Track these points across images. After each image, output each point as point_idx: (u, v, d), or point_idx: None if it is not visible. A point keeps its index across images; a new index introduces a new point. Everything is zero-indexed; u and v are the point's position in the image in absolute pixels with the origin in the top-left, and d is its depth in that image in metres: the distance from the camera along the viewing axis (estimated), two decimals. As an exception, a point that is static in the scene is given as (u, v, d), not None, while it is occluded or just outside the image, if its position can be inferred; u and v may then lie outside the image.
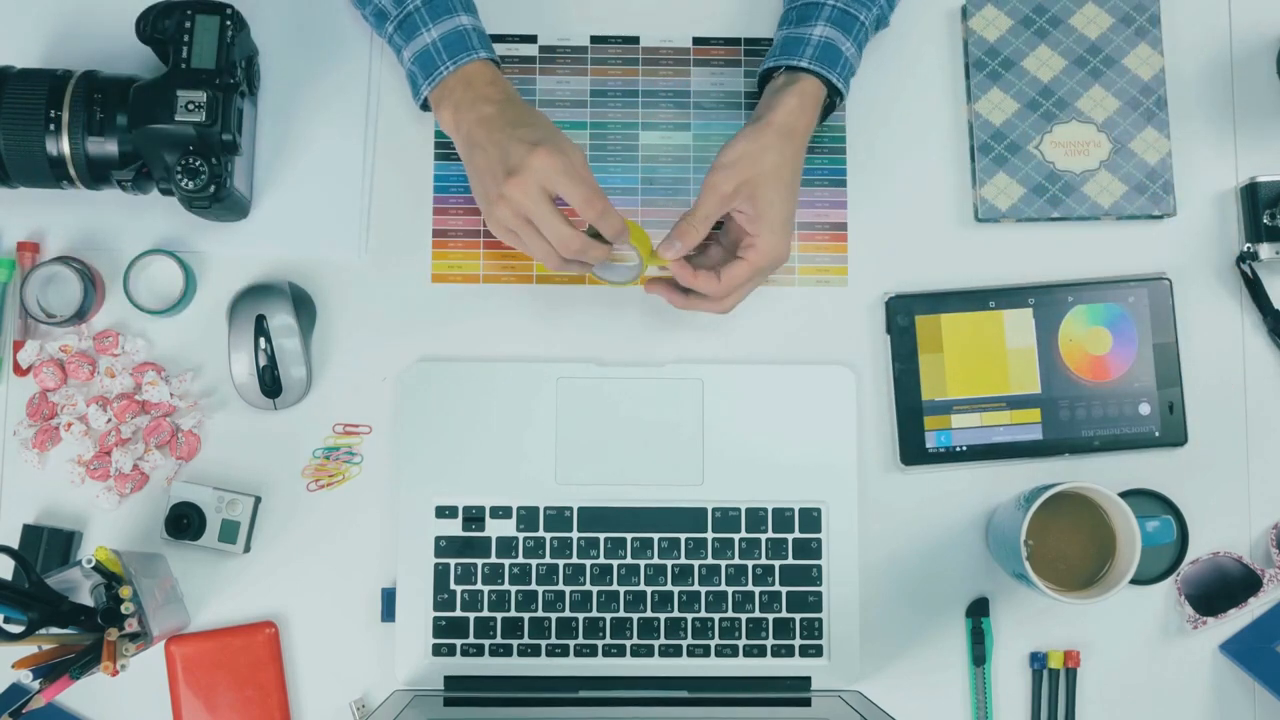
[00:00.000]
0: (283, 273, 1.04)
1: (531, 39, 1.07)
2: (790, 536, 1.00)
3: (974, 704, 1.01)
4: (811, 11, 0.98)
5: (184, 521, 0.99)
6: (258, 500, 1.01)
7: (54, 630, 0.87)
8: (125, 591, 0.87)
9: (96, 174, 0.97)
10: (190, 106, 0.94)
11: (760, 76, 1.01)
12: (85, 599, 0.91)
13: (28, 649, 0.88)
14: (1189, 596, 1.02)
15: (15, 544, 1.00)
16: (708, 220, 0.93)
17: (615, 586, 1.00)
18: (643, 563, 1.00)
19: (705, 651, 1.00)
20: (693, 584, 1.00)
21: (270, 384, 1.01)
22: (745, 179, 0.93)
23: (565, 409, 1.01)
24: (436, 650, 0.99)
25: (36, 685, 0.87)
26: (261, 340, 1.00)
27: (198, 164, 0.95)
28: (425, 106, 0.99)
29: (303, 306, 1.02)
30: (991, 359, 1.03)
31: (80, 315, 1.01)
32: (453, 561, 1.00)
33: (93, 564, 0.88)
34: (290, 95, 1.05)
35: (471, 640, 0.99)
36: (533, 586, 1.00)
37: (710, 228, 0.94)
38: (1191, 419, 1.03)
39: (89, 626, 0.88)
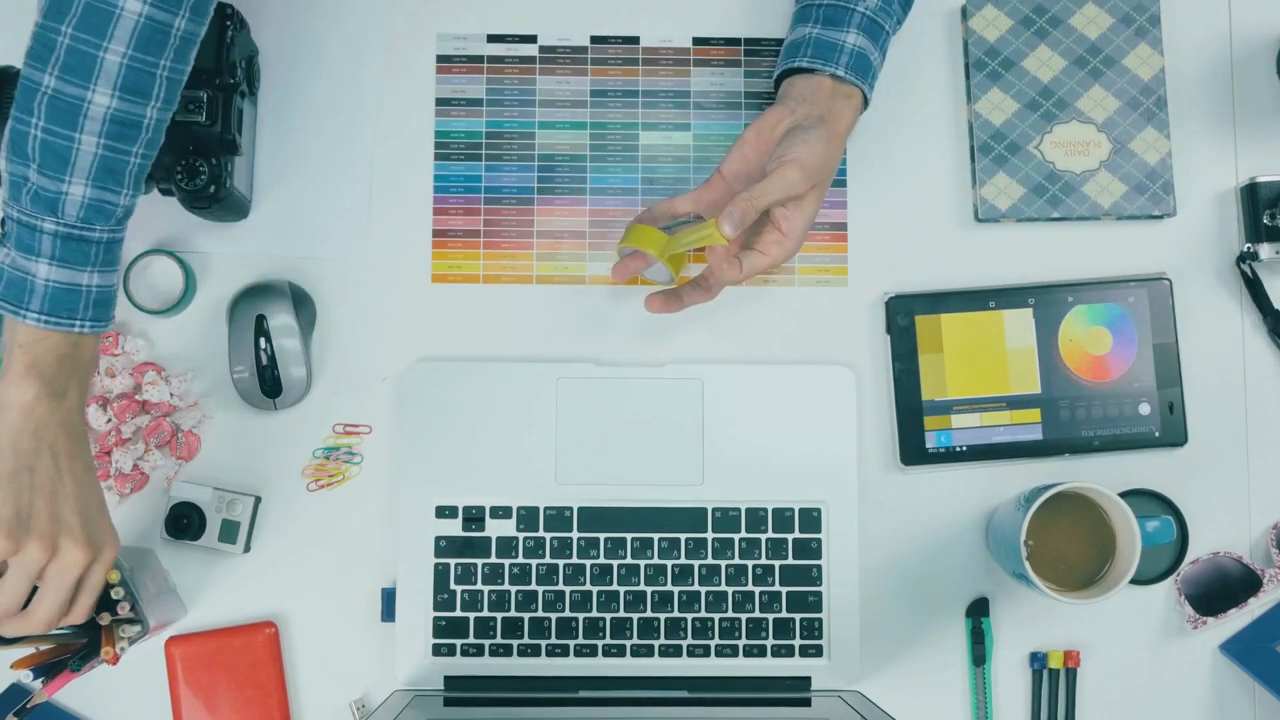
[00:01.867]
0: (283, 273, 1.04)
1: (531, 39, 1.07)
2: (790, 536, 1.00)
3: (974, 704, 1.01)
4: (841, 15, 0.95)
5: (184, 521, 0.99)
6: (258, 500, 1.01)
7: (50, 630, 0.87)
8: (113, 576, 0.87)
9: (96, 174, 0.97)
10: (190, 106, 0.94)
11: (782, 68, 0.97)
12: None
13: (26, 650, 0.88)
14: (1189, 596, 1.02)
15: (15, 544, 1.00)
16: (765, 207, 0.91)
17: (615, 586, 1.00)
18: (643, 563, 1.00)
19: (705, 651, 1.00)
20: (693, 584, 1.00)
21: (270, 384, 1.01)
22: (816, 184, 0.92)
23: (565, 409, 1.01)
24: (436, 650, 0.99)
25: (38, 684, 0.87)
26: (261, 340, 1.00)
27: (198, 164, 0.95)
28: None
29: (303, 306, 1.02)
30: (991, 359, 1.03)
31: (80, 315, 1.01)
32: (453, 561, 1.00)
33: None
34: (290, 95, 1.05)
35: (471, 640, 0.99)
36: (533, 586, 1.00)
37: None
38: (1191, 419, 1.03)
39: (84, 623, 0.88)
